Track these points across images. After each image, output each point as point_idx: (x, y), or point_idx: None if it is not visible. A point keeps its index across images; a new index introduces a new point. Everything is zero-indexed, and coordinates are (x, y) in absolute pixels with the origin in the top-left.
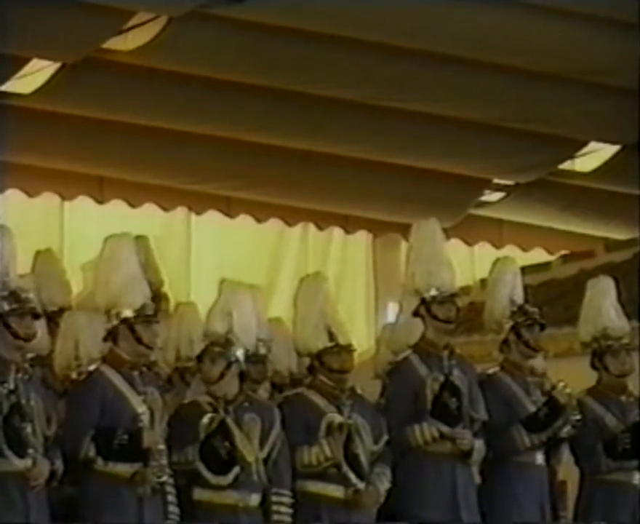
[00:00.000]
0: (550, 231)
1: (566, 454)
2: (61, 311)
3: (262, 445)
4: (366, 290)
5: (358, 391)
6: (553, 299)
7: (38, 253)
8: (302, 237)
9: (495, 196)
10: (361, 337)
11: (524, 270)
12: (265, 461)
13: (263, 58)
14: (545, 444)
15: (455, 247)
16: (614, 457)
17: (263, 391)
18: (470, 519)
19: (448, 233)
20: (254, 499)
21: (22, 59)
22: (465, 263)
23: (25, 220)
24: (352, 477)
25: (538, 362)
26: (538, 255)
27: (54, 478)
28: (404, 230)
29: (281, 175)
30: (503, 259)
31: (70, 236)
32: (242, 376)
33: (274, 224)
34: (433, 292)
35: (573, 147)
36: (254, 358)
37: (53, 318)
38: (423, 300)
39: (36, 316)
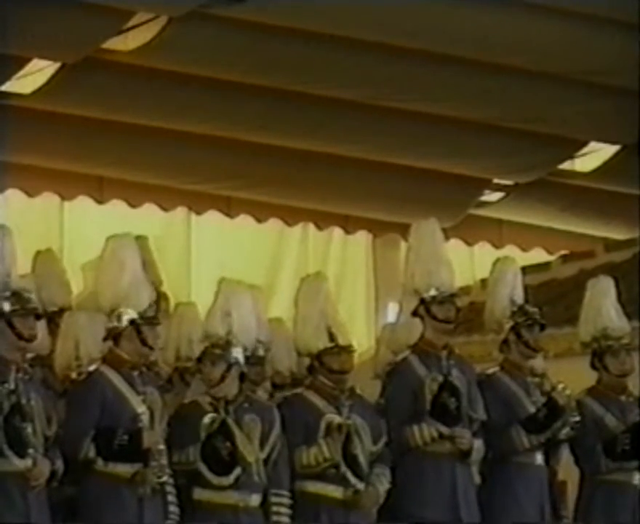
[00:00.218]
0: (550, 231)
1: (566, 454)
2: (61, 311)
3: (262, 445)
4: (366, 290)
5: (358, 391)
6: (553, 299)
7: (38, 253)
8: (302, 237)
9: (495, 196)
10: (361, 337)
11: (524, 270)
12: (265, 461)
13: (263, 58)
14: (545, 444)
15: (455, 247)
16: (613, 458)
17: (262, 392)
18: (470, 519)
19: (448, 234)
20: (255, 499)
21: (22, 59)
22: (465, 263)
23: (25, 220)
24: (351, 477)
25: (538, 363)
26: (538, 255)
27: (55, 478)
28: (404, 230)
29: (281, 175)
30: (504, 259)
31: (70, 236)
32: (242, 377)
33: (274, 224)
34: (433, 292)
35: (573, 147)
36: (252, 359)
37: (53, 318)
38: (422, 301)
39: (38, 316)
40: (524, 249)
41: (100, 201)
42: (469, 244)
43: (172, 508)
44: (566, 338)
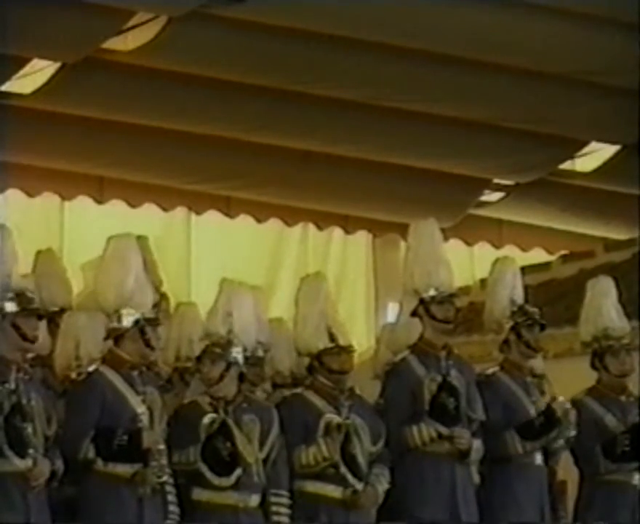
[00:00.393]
0: (549, 231)
1: (565, 454)
2: (62, 311)
3: (261, 445)
4: (366, 290)
5: (357, 391)
6: (553, 299)
7: (38, 253)
8: (302, 237)
9: (495, 196)
10: (361, 337)
11: (524, 270)
12: (264, 461)
13: (263, 58)
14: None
15: (455, 247)
16: (612, 459)
17: (261, 392)
18: (469, 519)
19: (448, 234)
20: (254, 500)
21: (22, 59)
22: (465, 263)
23: (25, 220)
24: (349, 477)
25: (537, 363)
26: (538, 255)
27: (55, 478)
28: (404, 230)
29: (281, 175)
30: (503, 259)
31: (70, 236)
32: (241, 377)
33: (274, 224)
34: (432, 292)
35: (573, 147)
36: (252, 360)
37: (53, 318)
38: (422, 301)
39: (40, 317)
40: (523, 250)
41: (99, 201)
42: (469, 244)
43: (172, 508)
44: (566, 338)
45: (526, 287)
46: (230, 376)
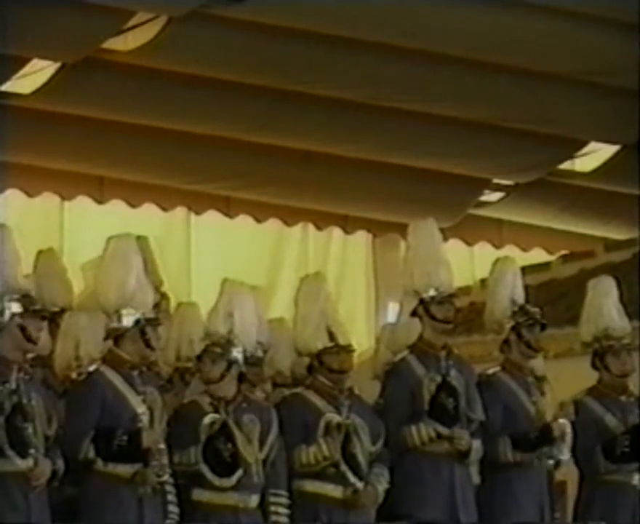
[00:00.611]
0: (549, 231)
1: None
2: (62, 311)
3: (261, 446)
4: (366, 290)
5: (356, 391)
6: (553, 299)
7: (39, 253)
8: (301, 237)
9: (495, 196)
10: (361, 337)
11: (524, 270)
12: (263, 461)
13: (263, 58)
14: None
15: (455, 247)
16: (612, 460)
17: (260, 392)
18: (468, 520)
19: (448, 234)
20: (254, 500)
21: (22, 59)
22: (465, 263)
23: (25, 220)
24: (350, 476)
25: (539, 364)
26: (538, 255)
27: (56, 478)
28: (404, 230)
29: (281, 175)
30: (503, 259)
31: (70, 236)
32: (241, 377)
33: (274, 224)
34: (432, 292)
35: (573, 147)
36: (251, 360)
37: (54, 318)
38: (422, 301)
39: (44, 318)
40: (523, 250)
41: (99, 201)
42: (469, 244)
43: (172, 508)
44: (567, 338)
45: (526, 287)
46: (231, 376)
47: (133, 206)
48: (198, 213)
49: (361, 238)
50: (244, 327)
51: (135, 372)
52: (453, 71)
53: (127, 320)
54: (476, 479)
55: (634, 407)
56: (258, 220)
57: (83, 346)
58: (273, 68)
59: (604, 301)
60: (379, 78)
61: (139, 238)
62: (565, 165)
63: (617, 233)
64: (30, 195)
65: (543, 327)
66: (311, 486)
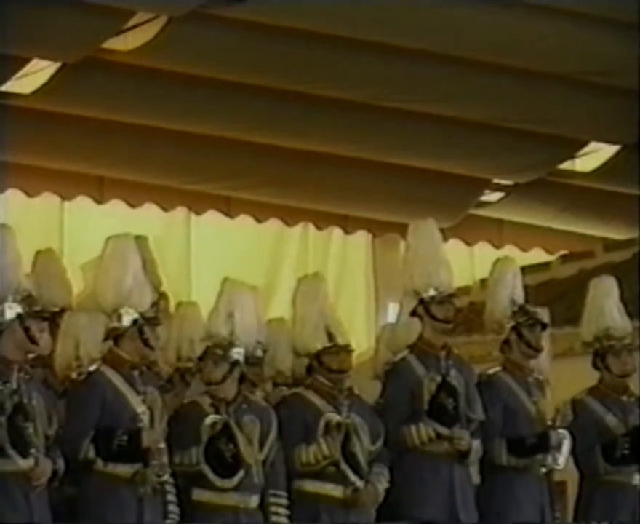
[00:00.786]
0: (549, 231)
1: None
2: (62, 311)
3: (261, 446)
4: (366, 290)
5: (356, 391)
6: (553, 299)
7: (38, 253)
8: (301, 237)
9: (495, 196)
10: (360, 337)
11: (524, 270)
12: (263, 462)
13: (263, 58)
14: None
15: (455, 247)
16: (612, 462)
17: (260, 392)
18: (468, 519)
19: (448, 234)
20: (254, 500)
21: (22, 59)
22: (465, 263)
23: (25, 220)
24: (350, 475)
25: (543, 365)
26: (538, 255)
27: (56, 478)
28: (404, 230)
29: (281, 175)
30: (503, 259)
31: (70, 236)
32: (241, 378)
33: (274, 224)
34: (432, 292)
35: (573, 147)
36: (251, 360)
37: (53, 318)
38: (421, 301)
39: (45, 318)
40: (523, 250)
41: (99, 201)
42: (469, 244)
43: (172, 508)
44: (567, 338)
45: (526, 287)
46: (233, 377)
47: (133, 206)
48: (198, 213)
49: (361, 238)
50: (244, 328)
51: (135, 372)
52: (453, 71)
53: (125, 320)
54: (475, 479)
55: (635, 408)
56: (258, 220)
57: (83, 346)
58: (273, 68)
59: (605, 301)
60: (379, 78)
61: (138, 238)
62: (565, 165)
63: (616, 233)
64: (30, 195)
65: (544, 327)
66: (311, 486)
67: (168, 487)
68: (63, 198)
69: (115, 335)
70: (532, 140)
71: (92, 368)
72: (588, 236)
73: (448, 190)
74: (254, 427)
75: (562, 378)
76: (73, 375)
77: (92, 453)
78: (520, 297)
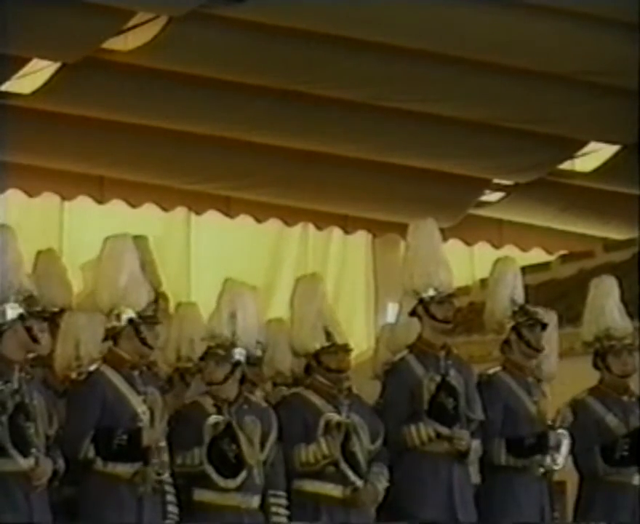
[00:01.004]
0: (549, 231)
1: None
2: (62, 311)
3: (261, 447)
4: (366, 290)
5: (355, 391)
6: (552, 299)
7: (38, 253)
8: (301, 237)
9: (495, 196)
10: (360, 337)
11: (524, 270)
12: (263, 462)
13: (263, 58)
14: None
15: (455, 247)
16: (611, 463)
17: (260, 392)
18: (467, 519)
19: (448, 234)
20: (256, 501)
21: (22, 59)
22: (465, 263)
23: (25, 220)
24: (350, 474)
25: (550, 368)
26: (537, 255)
27: (56, 478)
28: (404, 230)
29: (281, 175)
30: (504, 259)
31: (70, 236)
32: (242, 378)
33: (274, 224)
34: (431, 292)
35: (573, 147)
36: (251, 360)
37: (53, 318)
38: (421, 301)
39: (46, 318)
40: (523, 249)
41: (99, 201)
42: (469, 244)
43: (171, 508)
44: (567, 338)
45: (526, 287)
46: (234, 378)
47: (133, 206)
48: (198, 213)
49: (361, 238)
50: (246, 328)
51: (136, 372)
52: (453, 71)
53: (124, 319)
54: (475, 479)
55: (635, 408)
56: (258, 220)
57: (83, 345)
58: (273, 68)
59: (605, 301)
60: (379, 78)
61: (138, 238)
62: (565, 165)
63: (616, 233)
64: (30, 195)
65: (544, 327)
66: (311, 486)
67: (167, 488)
68: (63, 198)
69: (113, 335)
70: (532, 140)
71: (92, 368)
72: (588, 236)
73: (448, 190)
74: (255, 427)
75: (562, 378)
76: (73, 375)
77: (91, 453)
78: (520, 297)
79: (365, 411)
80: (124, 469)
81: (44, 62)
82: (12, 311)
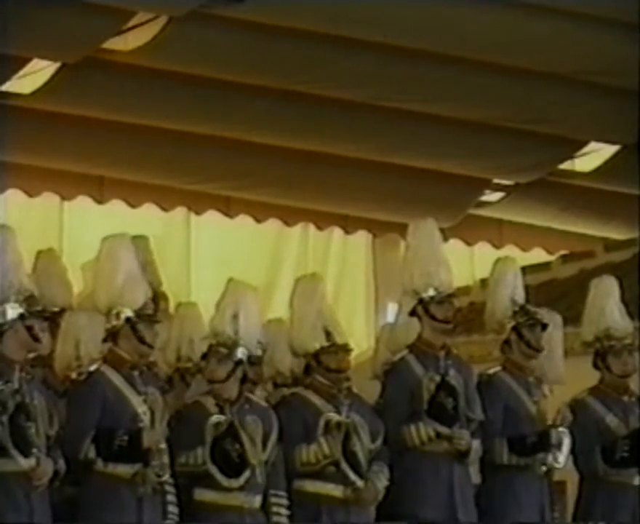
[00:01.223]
0: (549, 231)
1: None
2: (62, 311)
3: (263, 446)
4: (366, 290)
5: (355, 390)
6: (553, 299)
7: (38, 253)
8: (301, 237)
9: (495, 196)
10: (360, 337)
11: (524, 270)
12: (265, 462)
13: (263, 58)
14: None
15: (455, 247)
16: (611, 463)
17: (260, 392)
18: (467, 519)
19: (448, 234)
20: (258, 501)
21: (22, 59)
22: (465, 263)
23: (25, 220)
24: (351, 474)
25: (555, 370)
26: (538, 255)
27: (57, 478)
28: (404, 230)
29: (281, 175)
30: (504, 259)
31: (70, 236)
32: (243, 378)
33: (273, 224)
34: (431, 292)
35: (573, 147)
36: (251, 359)
37: (53, 318)
38: (421, 300)
39: (46, 318)
40: (523, 250)
41: (99, 201)
42: (469, 244)
43: (171, 508)
44: (567, 338)
45: (526, 287)
46: (235, 377)
47: (133, 206)
48: (198, 213)
49: (361, 238)
50: (248, 328)
51: (136, 373)
52: (453, 71)
53: (122, 318)
54: (476, 478)
55: (635, 408)
56: (258, 220)
57: (83, 345)
58: (273, 68)
59: (605, 301)
60: (379, 78)
61: (138, 238)
62: (565, 165)
63: (617, 233)
64: (30, 195)
65: (544, 327)
66: (312, 486)
67: (167, 488)
68: (63, 198)
69: (113, 335)
70: (532, 140)
71: (92, 368)
72: (588, 236)
73: (448, 190)
74: (257, 427)
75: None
76: (73, 375)
77: (92, 453)
78: (521, 297)
79: (365, 411)
80: (124, 469)
81: (44, 62)
82: (13, 311)
